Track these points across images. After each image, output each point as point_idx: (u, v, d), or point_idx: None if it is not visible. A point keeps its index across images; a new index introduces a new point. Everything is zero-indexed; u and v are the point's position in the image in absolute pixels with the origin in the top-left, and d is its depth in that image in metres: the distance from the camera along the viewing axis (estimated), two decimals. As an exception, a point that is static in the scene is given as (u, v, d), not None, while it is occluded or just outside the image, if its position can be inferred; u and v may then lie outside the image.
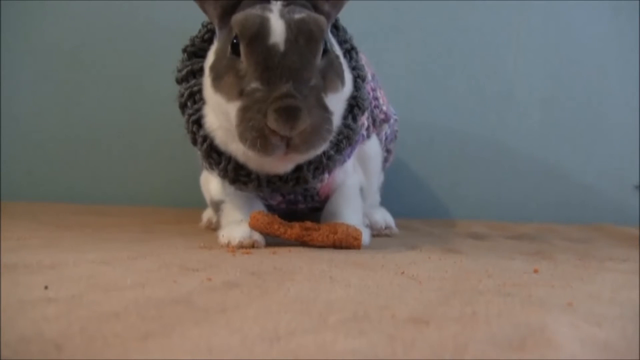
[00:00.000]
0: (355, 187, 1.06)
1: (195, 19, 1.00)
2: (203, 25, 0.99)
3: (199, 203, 1.23)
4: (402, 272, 0.68)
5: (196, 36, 0.99)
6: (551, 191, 1.75)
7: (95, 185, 1.78)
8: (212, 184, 1.03)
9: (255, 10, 0.83)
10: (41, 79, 1.78)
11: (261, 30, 0.79)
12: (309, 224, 0.89)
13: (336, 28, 0.99)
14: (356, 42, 1.01)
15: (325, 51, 0.84)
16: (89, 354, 0.36)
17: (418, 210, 1.71)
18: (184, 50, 0.98)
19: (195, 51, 0.97)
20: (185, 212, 1.49)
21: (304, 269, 0.67)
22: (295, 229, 0.87)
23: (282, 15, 0.82)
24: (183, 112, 0.95)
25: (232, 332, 0.40)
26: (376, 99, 1.10)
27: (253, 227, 0.87)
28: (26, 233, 0.95)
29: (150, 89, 1.76)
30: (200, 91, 0.93)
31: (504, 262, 0.81)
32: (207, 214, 1.21)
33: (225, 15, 0.87)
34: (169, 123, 1.72)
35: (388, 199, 1.34)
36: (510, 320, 0.45)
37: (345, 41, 0.98)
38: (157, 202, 1.73)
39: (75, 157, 1.78)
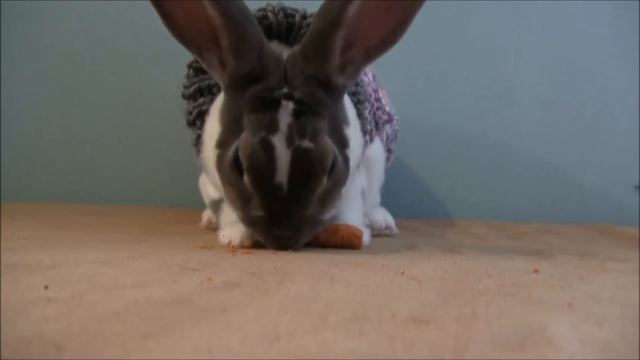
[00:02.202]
0: (357, 188, 1.07)
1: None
2: None
3: (199, 203, 1.23)
4: (402, 272, 0.68)
5: None
6: (551, 191, 1.75)
7: (95, 185, 1.78)
8: (210, 184, 1.03)
9: (261, 133, 0.76)
10: (41, 79, 1.78)
11: (267, 169, 0.76)
12: None
13: None
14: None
15: (332, 168, 0.80)
16: (89, 354, 0.36)
17: (418, 210, 1.71)
18: (190, 67, 0.98)
19: (201, 67, 0.96)
20: (185, 212, 1.49)
21: (304, 269, 0.67)
22: None
23: (289, 142, 0.76)
24: (191, 129, 0.96)
25: (232, 332, 0.40)
26: (378, 100, 1.10)
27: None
28: (26, 233, 0.95)
29: (150, 89, 1.76)
30: (208, 110, 0.93)
31: (504, 262, 0.81)
32: (207, 214, 1.21)
33: (232, 86, 0.82)
34: (169, 123, 1.73)
35: (388, 199, 1.34)
36: (510, 320, 0.45)
37: None
38: (157, 202, 1.73)
39: (75, 157, 1.78)
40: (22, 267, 0.60)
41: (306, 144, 0.77)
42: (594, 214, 1.71)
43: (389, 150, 1.24)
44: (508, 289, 0.59)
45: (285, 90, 0.79)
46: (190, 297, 0.50)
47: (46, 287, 0.50)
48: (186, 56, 1.07)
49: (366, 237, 0.96)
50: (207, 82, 0.95)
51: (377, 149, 1.13)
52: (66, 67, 1.78)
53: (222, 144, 0.83)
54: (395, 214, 1.25)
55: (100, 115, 1.78)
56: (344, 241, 0.88)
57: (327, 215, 0.83)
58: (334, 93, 0.82)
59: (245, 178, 0.78)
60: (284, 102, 0.78)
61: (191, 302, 0.48)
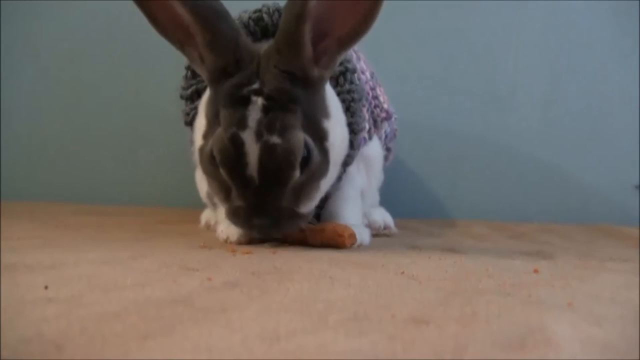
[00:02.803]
0: (357, 188, 1.07)
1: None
2: None
3: (199, 203, 1.23)
4: (402, 272, 0.68)
5: None
6: (551, 191, 1.75)
7: (95, 185, 1.78)
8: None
9: (232, 129, 0.78)
10: (41, 79, 1.78)
11: (237, 163, 0.78)
12: None
13: None
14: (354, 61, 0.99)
15: (307, 162, 0.81)
16: (89, 354, 0.36)
17: (418, 210, 1.71)
18: (187, 68, 0.99)
19: None
20: (185, 212, 1.49)
21: (304, 269, 0.67)
22: None
23: (258, 138, 0.78)
24: (189, 128, 0.98)
25: (232, 332, 0.40)
26: (376, 97, 1.10)
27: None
28: (26, 233, 0.95)
29: (150, 89, 1.76)
30: None
31: (504, 262, 0.81)
32: (206, 215, 1.21)
33: (212, 80, 0.84)
34: (168, 123, 1.73)
35: (388, 199, 1.34)
36: (510, 320, 0.45)
37: (340, 63, 0.95)
38: (157, 202, 1.73)
39: (75, 157, 1.78)
40: (22, 267, 0.60)
41: (274, 139, 0.78)
42: (594, 214, 1.71)
43: (388, 149, 1.24)
44: (508, 289, 0.59)
45: (255, 86, 0.80)
46: (190, 297, 0.50)
47: (46, 287, 0.50)
48: (186, 58, 1.08)
49: (365, 237, 0.96)
50: (205, 84, 0.95)
51: (375, 147, 1.13)
52: (66, 67, 1.78)
53: (205, 136, 0.85)
54: (394, 214, 1.25)
55: (100, 115, 1.78)
56: (329, 241, 0.88)
57: (304, 208, 0.85)
58: (311, 85, 0.83)
59: (220, 170, 0.80)
60: (254, 98, 0.79)
61: (191, 302, 0.48)
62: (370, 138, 1.07)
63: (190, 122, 0.97)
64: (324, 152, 0.85)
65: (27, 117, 1.78)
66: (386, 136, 1.19)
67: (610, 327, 0.44)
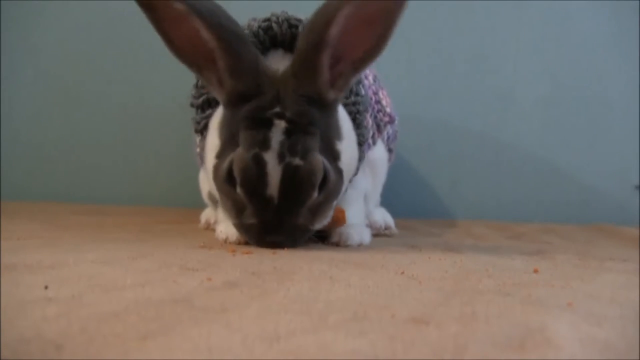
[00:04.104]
0: (360, 190, 1.08)
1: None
2: None
3: (199, 203, 1.23)
4: (402, 272, 0.68)
5: None
6: (551, 191, 1.75)
7: (95, 185, 1.78)
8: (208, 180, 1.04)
9: (254, 149, 0.80)
10: (41, 79, 1.79)
11: (258, 183, 0.80)
12: None
13: None
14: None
15: (325, 182, 0.83)
16: (89, 354, 0.36)
17: (418, 210, 1.72)
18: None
19: None
20: (185, 212, 1.49)
21: (304, 269, 0.67)
22: None
23: (280, 159, 0.80)
24: (199, 136, 1.00)
25: (232, 332, 0.40)
26: (378, 102, 1.10)
27: None
28: (26, 233, 0.95)
29: (150, 90, 1.76)
30: None
31: (504, 262, 0.81)
32: (205, 215, 1.21)
33: (229, 103, 0.85)
34: (168, 124, 1.73)
35: (388, 199, 1.34)
36: (510, 320, 0.45)
37: None
38: (157, 202, 1.73)
39: (75, 157, 1.78)
40: (22, 267, 0.60)
41: (297, 161, 0.80)
42: (594, 214, 1.71)
43: (389, 150, 1.25)
44: (508, 289, 0.59)
45: (277, 109, 0.82)
46: (190, 297, 0.50)
47: (46, 287, 0.50)
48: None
49: (366, 237, 0.97)
50: None
51: (379, 151, 1.14)
52: (66, 68, 1.78)
53: (219, 156, 0.86)
54: (395, 214, 1.25)
55: (100, 116, 1.78)
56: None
57: (318, 225, 0.87)
58: (326, 107, 0.85)
59: (239, 190, 0.81)
60: (276, 121, 0.81)
61: (191, 302, 0.48)
62: (374, 143, 1.08)
63: (201, 131, 0.98)
64: (339, 172, 0.87)
65: (27, 117, 1.78)
66: (388, 137, 1.20)
67: (610, 327, 0.44)
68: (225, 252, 0.80)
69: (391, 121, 1.15)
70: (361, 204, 1.09)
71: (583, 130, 1.75)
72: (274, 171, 0.80)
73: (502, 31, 1.75)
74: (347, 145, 0.89)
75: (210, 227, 1.15)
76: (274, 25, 0.95)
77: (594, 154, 1.75)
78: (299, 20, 0.96)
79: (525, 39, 1.74)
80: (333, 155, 0.86)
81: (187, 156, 1.34)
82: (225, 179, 0.82)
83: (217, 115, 0.91)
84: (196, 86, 1.00)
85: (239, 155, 0.80)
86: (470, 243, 1.10)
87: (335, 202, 0.89)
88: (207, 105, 0.97)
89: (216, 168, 0.86)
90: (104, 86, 1.78)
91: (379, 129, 1.10)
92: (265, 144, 0.80)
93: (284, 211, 0.82)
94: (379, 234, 1.15)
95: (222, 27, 0.80)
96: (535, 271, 0.73)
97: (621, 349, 0.41)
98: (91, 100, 1.78)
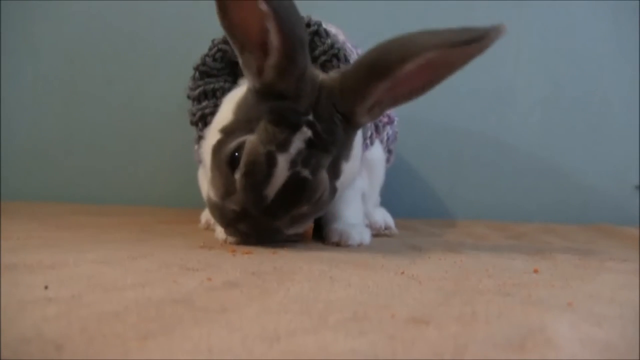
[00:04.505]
0: (358, 190, 1.08)
1: (195, 21, 1.01)
2: (214, 44, 1.00)
3: (199, 203, 1.23)
4: (402, 272, 0.68)
5: (207, 55, 1.00)
6: (551, 191, 1.75)
7: (95, 185, 1.78)
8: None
9: (271, 146, 0.78)
10: (41, 79, 1.78)
11: (262, 181, 0.78)
12: None
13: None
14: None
15: (318, 199, 0.82)
16: (89, 354, 0.36)
17: (418, 210, 1.71)
18: (196, 69, 1.00)
19: (207, 71, 0.99)
20: (185, 212, 1.49)
21: (304, 269, 0.67)
22: None
23: (292, 165, 0.78)
24: (194, 128, 1.00)
25: (232, 332, 0.40)
26: None
27: None
28: (26, 233, 0.95)
29: (150, 90, 1.76)
30: (212, 113, 0.95)
31: (504, 262, 0.81)
32: (206, 215, 1.21)
33: (260, 92, 0.82)
34: (168, 124, 1.73)
35: (388, 199, 1.33)
36: (510, 320, 0.45)
37: None
38: (157, 202, 1.73)
39: (75, 157, 1.78)
40: (22, 267, 0.60)
41: (305, 173, 0.79)
42: (594, 214, 1.70)
43: (389, 151, 1.25)
44: (508, 289, 0.59)
45: (310, 117, 0.80)
46: (190, 297, 0.50)
47: (46, 287, 0.50)
48: (186, 58, 1.08)
49: (366, 237, 0.97)
50: (212, 85, 0.97)
51: (377, 151, 1.14)
52: (66, 68, 1.78)
53: (228, 132, 0.84)
54: (395, 214, 1.25)
55: (100, 116, 1.78)
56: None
57: (292, 232, 0.87)
58: (352, 129, 0.85)
59: (237, 176, 0.79)
60: (304, 129, 0.80)
61: (191, 302, 0.48)
62: (372, 143, 1.08)
63: (196, 122, 0.98)
64: (333, 191, 0.86)
65: (27, 117, 1.78)
66: (388, 138, 1.19)
67: (610, 327, 0.44)
68: (225, 252, 0.80)
69: (390, 122, 1.14)
70: (359, 203, 1.09)
71: (583, 130, 1.75)
72: (280, 174, 0.78)
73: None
74: (350, 167, 0.89)
75: (210, 227, 1.15)
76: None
77: (594, 154, 1.75)
78: (318, 24, 0.95)
79: (525, 39, 1.74)
80: (335, 173, 0.85)
81: (187, 156, 1.34)
82: (228, 160, 0.81)
83: (237, 93, 0.90)
84: (193, 78, 1.00)
85: (254, 145, 0.78)
86: (470, 243, 1.10)
87: (315, 216, 0.89)
88: (204, 97, 0.97)
89: (220, 143, 0.83)
90: (104, 86, 1.78)
91: (377, 129, 1.10)
92: (284, 146, 0.78)
93: (269, 212, 0.81)
94: (379, 234, 1.15)
95: (291, 33, 0.77)
96: (535, 271, 0.73)
97: (621, 349, 0.41)
98: (91, 101, 1.78)
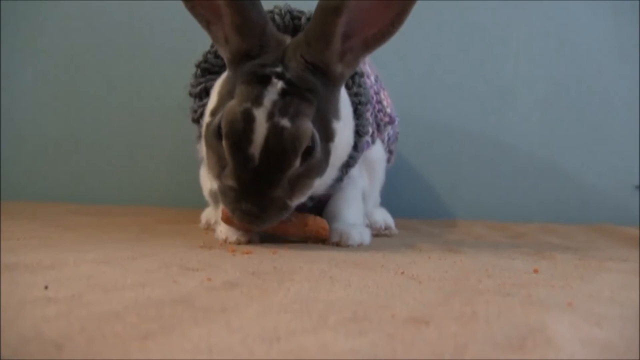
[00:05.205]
0: (358, 189, 1.08)
1: (195, 21, 1.01)
2: None
3: (199, 203, 1.23)
4: (402, 272, 0.68)
5: (209, 52, 1.01)
6: (551, 191, 1.75)
7: (95, 185, 1.78)
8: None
9: (246, 104, 0.79)
10: (41, 79, 1.78)
11: (243, 138, 0.79)
12: None
13: None
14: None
15: (309, 154, 0.82)
16: (89, 354, 0.36)
17: (418, 210, 1.71)
18: (197, 66, 1.01)
19: (209, 67, 0.99)
20: (185, 212, 1.49)
21: (304, 269, 0.67)
22: None
23: (269, 117, 0.79)
24: (196, 125, 1.00)
25: (232, 332, 0.40)
26: (379, 102, 1.10)
27: (226, 222, 0.89)
28: (26, 233, 0.95)
29: (150, 90, 1.76)
30: None
31: (504, 262, 0.81)
32: (206, 215, 1.21)
33: (232, 61, 0.86)
34: (168, 123, 1.73)
35: (388, 199, 1.34)
36: (510, 320, 0.45)
37: None
38: (157, 202, 1.73)
39: (75, 157, 1.78)
40: (22, 267, 0.60)
41: (284, 122, 0.79)
42: (594, 214, 1.70)
43: (390, 152, 1.25)
44: (508, 289, 0.59)
45: (278, 69, 0.82)
46: (190, 297, 0.50)
47: (46, 287, 0.50)
48: (186, 57, 1.08)
49: (366, 237, 0.97)
50: (213, 82, 0.96)
51: (378, 150, 1.14)
52: (66, 68, 1.78)
53: (214, 112, 0.86)
54: (395, 214, 1.25)
55: (100, 116, 1.78)
56: (312, 234, 0.92)
57: (295, 202, 0.86)
58: (330, 82, 0.85)
59: (223, 143, 0.80)
60: (274, 80, 0.81)
61: (191, 302, 0.48)
62: (373, 142, 1.08)
63: (197, 120, 0.98)
64: (327, 152, 0.86)
65: (27, 117, 1.78)
66: (389, 139, 1.20)
67: (610, 327, 0.44)
68: (225, 252, 0.80)
69: (391, 122, 1.15)
70: (360, 203, 1.09)
71: (583, 130, 1.75)
72: (260, 128, 0.78)
73: (502, 31, 1.75)
74: (343, 127, 0.88)
75: (210, 227, 1.15)
76: (276, 17, 0.95)
77: (594, 154, 1.75)
78: (301, 12, 0.97)
79: (525, 39, 1.74)
80: (327, 134, 0.85)
81: (187, 156, 1.34)
82: (215, 132, 0.82)
83: (221, 77, 0.92)
84: (195, 75, 1.01)
85: (230, 107, 0.80)
86: (470, 243, 1.10)
87: (315, 181, 0.87)
88: (205, 93, 0.97)
89: (208, 125, 0.85)
90: (104, 86, 1.78)
91: (378, 128, 1.10)
92: (258, 100, 0.79)
93: (263, 177, 0.80)
94: (379, 234, 1.15)
95: None
96: (535, 271, 0.73)
97: (621, 349, 0.41)
98: (91, 100, 1.78)
